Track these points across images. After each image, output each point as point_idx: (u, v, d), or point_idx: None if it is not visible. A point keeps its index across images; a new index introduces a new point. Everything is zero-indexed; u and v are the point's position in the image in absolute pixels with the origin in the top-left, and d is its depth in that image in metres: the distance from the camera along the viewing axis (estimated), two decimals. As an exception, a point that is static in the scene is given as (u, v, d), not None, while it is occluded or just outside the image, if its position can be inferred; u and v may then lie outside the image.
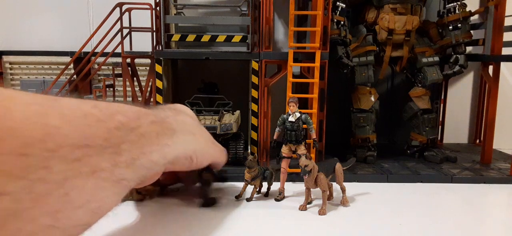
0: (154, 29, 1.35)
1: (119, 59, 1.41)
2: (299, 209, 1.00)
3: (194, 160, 0.85)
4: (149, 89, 1.43)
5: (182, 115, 0.87)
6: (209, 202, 1.03)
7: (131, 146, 0.62)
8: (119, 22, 1.36)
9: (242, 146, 1.33)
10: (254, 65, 1.31)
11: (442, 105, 1.71)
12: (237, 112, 1.35)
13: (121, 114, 0.62)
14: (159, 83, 1.34)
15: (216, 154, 0.98)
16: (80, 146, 0.52)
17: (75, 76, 1.49)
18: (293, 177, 1.20)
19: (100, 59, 1.45)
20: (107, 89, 1.48)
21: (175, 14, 1.49)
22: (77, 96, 1.50)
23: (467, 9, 1.38)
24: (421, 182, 1.25)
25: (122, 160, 0.59)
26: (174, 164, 0.79)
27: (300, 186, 1.13)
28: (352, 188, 1.13)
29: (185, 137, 0.81)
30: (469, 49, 1.56)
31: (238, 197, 1.06)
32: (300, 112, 1.05)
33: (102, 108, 0.59)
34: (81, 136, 0.53)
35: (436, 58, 1.42)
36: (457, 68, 1.40)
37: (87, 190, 0.54)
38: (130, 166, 0.61)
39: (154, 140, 0.69)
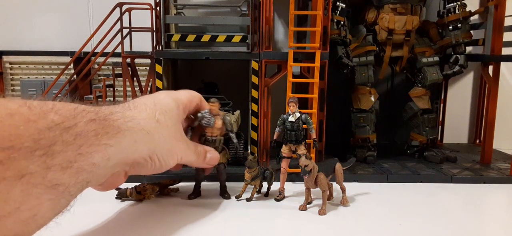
0: (154, 29, 1.35)
1: (119, 59, 1.41)
2: (299, 209, 1.00)
3: (156, 161, 0.79)
4: (149, 89, 1.43)
5: (138, 110, 0.78)
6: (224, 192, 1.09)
7: (65, 147, 0.56)
8: (119, 22, 1.36)
9: (242, 146, 1.33)
10: (254, 65, 1.31)
11: (442, 105, 1.71)
12: (237, 112, 1.35)
13: (54, 113, 0.57)
14: (159, 83, 1.34)
15: (184, 153, 0.89)
16: (2, 148, 0.48)
17: (75, 76, 1.49)
18: (293, 177, 1.20)
19: (100, 59, 1.45)
20: (107, 89, 1.48)
21: (175, 14, 1.50)
22: (77, 96, 1.51)
23: (467, 9, 1.39)
24: (421, 182, 1.25)
25: (55, 163, 0.55)
26: (132, 166, 0.75)
27: (300, 186, 1.13)
28: (352, 188, 1.13)
29: (136, 136, 0.73)
30: (469, 49, 1.56)
31: (238, 197, 1.06)
32: (300, 112, 1.05)
33: (32, 107, 0.55)
34: (5, 137, 0.49)
35: (436, 58, 1.42)
36: (457, 68, 1.40)
37: (14, 196, 0.49)
38: (67, 170, 0.56)
39: (93, 140, 0.62)
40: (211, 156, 1.00)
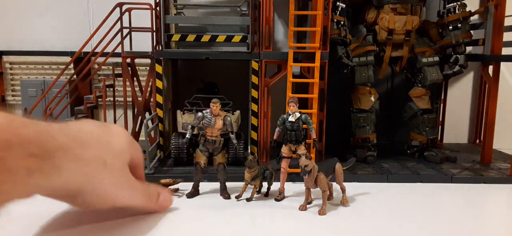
0: (154, 29, 1.35)
1: (119, 59, 1.41)
2: (299, 209, 1.00)
3: (85, 204, 0.72)
4: (149, 89, 1.43)
5: (87, 148, 0.68)
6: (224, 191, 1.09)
7: None
8: (119, 22, 1.36)
9: (242, 146, 1.33)
10: (254, 65, 1.31)
11: (442, 105, 1.71)
12: (237, 112, 1.35)
13: None
14: (159, 83, 1.34)
15: (128, 201, 0.81)
16: None
17: (75, 76, 1.49)
18: (293, 177, 1.20)
19: (100, 59, 1.45)
20: (107, 89, 1.48)
21: (175, 14, 1.50)
22: (77, 96, 1.51)
23: (467, 9, 1.39)
24: (421, 182, 1.25)
25: None
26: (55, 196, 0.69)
27: (300, 186, 1.13)
28: (352, 188, 1.13)
29: (75, 177, 0.65)
30: (469, 49, 1.56)
31: (238, 197, 1.06)
32: (300, 112, 1.05)
33: None
34: None
35: (436, 58, 1.42)
36: (457, 68, 1.40)
37: None
38: None
39: (23, 179, 0.56)
40: (163, 198, 0.92)
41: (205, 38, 1.34)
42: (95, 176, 0.69)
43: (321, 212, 0.97)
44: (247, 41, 1.33)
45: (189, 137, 1.08)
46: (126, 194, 0.80)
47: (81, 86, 1.50)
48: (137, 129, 1.47)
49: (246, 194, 1.07)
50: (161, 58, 1.32)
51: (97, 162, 0.69)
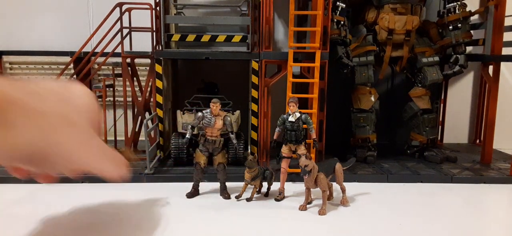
0: (154, 29, 1.35)
1: (119, 59, 1.41)
2: (299, 209, 1.00)
3: (42, 164, 0.62)
4: (149, 89, 1.43)
5: (49, 101, 0.61)
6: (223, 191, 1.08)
7: None
8: (119, 22, 1.36)
9: (242, 146, 1.33)
10: (254, 65, 1.31)
11: (442, 105, 1.71)
12: (237, 112, 1.35)
13: None
14: (159, 83, 1.34)
15: (97, 162, 0.69)
16: None
17: (75, 76, 1.49)
18: (293, 177, 1.20)
19: (100, 59, 1.45)
20: (107, 89, 1.48)
21: (175, 14, 1.50)
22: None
23: (467, 9, 1.38)
24: (421, 182, 1.25)
25: None
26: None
27: (300, 186, 1.13)
28: (352, 188, 1.13)
29: (31, 130, 0.56)
30: (469, 49, 1.56)
31: (238, 197, 1.06)
32: (300, 112, 1.05)
33: None
34: None
35: (436, 58, 1.42)
36: (457, 68, 1.40)
37: None
38: None
39: None
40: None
41: (205, 38, 1.34)
42: (57, 132, 0.60)
43: (321, 212, 0.97)
44: (247, 41, 1.33)
45: (189, 137, 1.08)
46: (95, 155, 0.69)
47: (81, 86, 1.49)
48: (137, 129, 1.47)
49: (246, 194, 1.07)
50: (161, 58, 1.32)
51: (59, 117, 0.61)
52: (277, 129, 1.07)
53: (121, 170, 0.74)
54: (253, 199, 1.07)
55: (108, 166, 0.72)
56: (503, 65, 1.42)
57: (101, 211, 0.95)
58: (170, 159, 1.35)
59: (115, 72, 1.49)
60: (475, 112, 1.80)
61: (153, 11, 1.34)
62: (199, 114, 1.05)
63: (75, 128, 0.64)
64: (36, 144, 0.58)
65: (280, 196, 1.07)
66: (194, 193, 1.09)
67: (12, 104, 0.54)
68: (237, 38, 1.33)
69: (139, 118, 1.45)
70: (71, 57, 1.50)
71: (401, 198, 1.12)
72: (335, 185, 1.06)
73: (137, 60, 1.46)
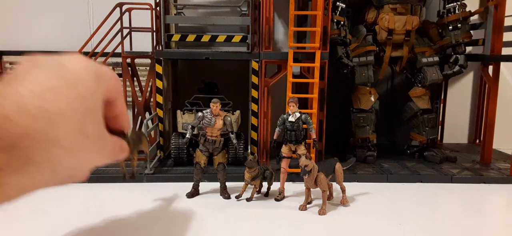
0: (154, 29, 1.35)
1: (119, 59, 1.41)
2: (299, 209, 1.00)
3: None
4: (149, 89, 1.43)
5: (63, 124, 0.48)
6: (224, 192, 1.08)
7: None
8: (119, 22, 1.36)
9: (242, 146, 1.33)
10: (254, 65, 1.31)
11: (442, 105, 1.71)
12: (237, 112, 1.35)
13: None
14: (159, 83, 1.34)
15: (101, 162, 0.59)
16: None
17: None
18: (293, 177, 1.20)
19: (100, 59, 1.44)
20: (107, 89, 1.48)
21: (175, 14, 1.50)
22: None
23: (467, 9, 1.38)
24: (421, 182, 1.25)
25: None
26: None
27: (300, 186, 1.13)
28: (352, 188, 1.13)
29: (55, 164, 0.48)
30: (469, 49, 1.56)
31: (238, 197, 1.06)
32: (300, 112, 1.05)
33: None
34: None
35: (436, 58, 1.42)
36: (457, 68, 1.40)
37: None
38: None
39: None
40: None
41: (205, 38, 1.34)
42: (75, 155, 0.52)
43: (321, 212, 0.97)
44: (247, 41, 1.33)
45: (189, 137, 1.08)
46: (101, 159, 0.59)
47: (81, 86, 1.49)
48: (137, 129, 1.47)
49: (246, 194, 1.07)
50: (161, 58, 1.32)
51: (74, 137, 0.51)
52: (277, 129, 1.07)
53: (124, 153, 0.63)
54: (253, 199, 1.07)
55: (110, 159, 0.61)
56: (503, 65, 1.42)
57: (101, 211, 0.95)
58: (170, 159, 1.35)
59: (115, 72, 1.49)
60: (475, 112, 1.80)
61: (153, 11, 1.34)
62: (199, 114, 1.05)
63: (89, 142, 0.54)
64: (55, 172, 0.51)
65: (280, 196, 1.07)
66: (194, 193, 1.09)
67: (24, 136, 0.44)
68: (237, 38, 1.33)
69: (139, 118, 1.45)
70: (71, 57, 1.50)
71: (401, 198, 1.12)
72: (335, 185, 1.06)
73: (137, 60, 1.46)
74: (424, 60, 1.42)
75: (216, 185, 1.11)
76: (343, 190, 1.04)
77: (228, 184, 1.10)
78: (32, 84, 0.48)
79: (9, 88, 0.45)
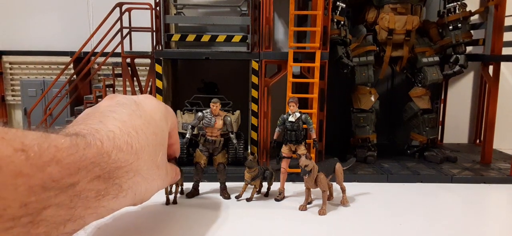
0: (154, 29, 1.35)
1: (119, 59, 1.41)
2: (299, 209, 1.00)
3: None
4: (149, 89, 1.43)
5: (144, 156, 0.63)
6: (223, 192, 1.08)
7: (56, 212, 0.45)
8: (119, 22, 1.36)
9: (242, 146, 1.33)
10: (254, 65, 1.31)
11: (442, 105, 1.71)
12: (237, 112, 1.35)
13: (55, 163, 0.44)
14: (159, 83, 1.34)
15: (157, 188, 0.76)
16: None
17: (75, 76, 1.49)
18: (293, 177, 1.20)
19: (100, 59, 1.45)
20: (107, 89, 1.48)
21: (175, 14, 1.49)
22: (77, 96, 1.51)
23: (467, 9, 1.38)
24: (421, 182, 1.25)
25: (40, 232, 0.43)
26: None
27: (300, 186, 1.13)
28: (352, 188, 1.13)
29: (136, 190, 0.61)
30: (469, 49, 1.56)
31: (238, 197, 1.06)
32: (300, 112, 1.05)
33: (30, 154, 0.42)
34: None
35: (436, 58, 1.42)
36: (457, 68, 1.40)
37: None
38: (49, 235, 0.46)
39: (92, 202, 0.51)
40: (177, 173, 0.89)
41: (205, 38, 1.34)
42: (148, 182, 0.66)
43: (321, 212, 0.97)
44: (247, 41, 1.33)
45: (189, 137, 1.08)
46: (164, 183, 0.78)
47: (81, 86, 1.50)
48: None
49: (246, 194, 1.07)
50: (161, 58, 1.32)
51: (150, 168, 0.65)
52: (277, 129, 1.07)
53: (177, 178, 0.87)
54: (253, 199, 1.07)
55: (167, 184, 0.82)
56: (503, 65, 1.42)
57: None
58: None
59: (115, 72, 1.49)
60: (475, 112, 1.80)
61: (153, 11, 1.34)
62: (199, 114, 1.05)
63: (160, 169, 0.69)
64: (135, 198, 0.63)
65: (280, 196, 1.07)
66: (194, 193, 1.09)
67: (118, 168, 0.57)
68: (237, 38, 1.33)
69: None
70: (71, 57, 1.51)
71: (401, 198, 1.12)
72: (335, 185, 1.06)
73: (137, 60, 1.46)
74: (424, 60, 1.42)
75: (216, 185, 1.11)
76: (343, 190, 1.04)
77: (228, 184, 1.10)
78: (119, 122, 0.61)
79: (101, 125, 0.58)
